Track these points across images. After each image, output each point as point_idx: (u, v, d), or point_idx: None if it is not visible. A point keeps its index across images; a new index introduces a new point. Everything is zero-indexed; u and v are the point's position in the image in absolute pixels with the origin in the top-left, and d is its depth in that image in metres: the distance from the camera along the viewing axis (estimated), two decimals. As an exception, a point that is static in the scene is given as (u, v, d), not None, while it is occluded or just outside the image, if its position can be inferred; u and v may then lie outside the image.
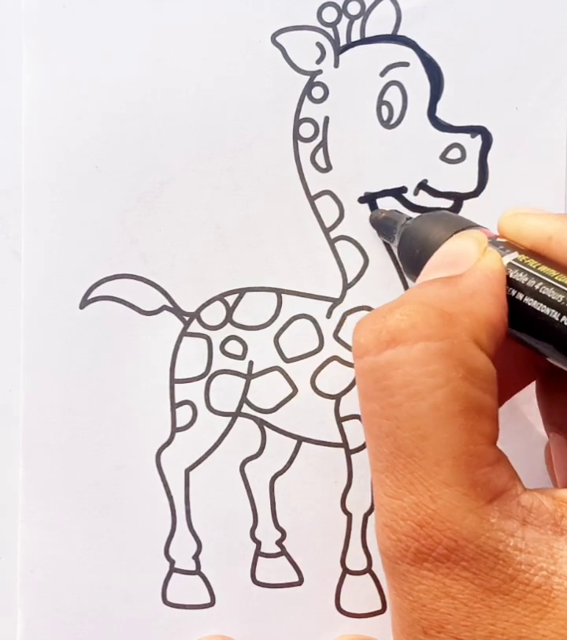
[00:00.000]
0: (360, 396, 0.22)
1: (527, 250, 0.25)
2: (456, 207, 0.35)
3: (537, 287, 0.23)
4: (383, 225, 0.34)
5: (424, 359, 0.21)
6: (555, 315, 0.22)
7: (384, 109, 0.35)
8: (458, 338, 0.21)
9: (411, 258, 0.30)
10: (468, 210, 0.35)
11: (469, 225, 0.29)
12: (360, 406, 0.23)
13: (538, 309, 0.22)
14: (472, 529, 0.20)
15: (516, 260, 0.24)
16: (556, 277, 0.23)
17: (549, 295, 0.22)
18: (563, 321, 0.22)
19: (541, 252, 0.25)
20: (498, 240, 0.26)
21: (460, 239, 0.26)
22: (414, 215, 0.33)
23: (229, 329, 0.36)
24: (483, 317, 0.22)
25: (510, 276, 0.23)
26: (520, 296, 0.23)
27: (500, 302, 0.23)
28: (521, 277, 0.23)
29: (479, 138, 0.35)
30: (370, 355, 0.22)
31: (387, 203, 0.35)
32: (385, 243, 0.35)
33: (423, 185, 0.35)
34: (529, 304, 0.23)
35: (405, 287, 0.35)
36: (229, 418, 0.36)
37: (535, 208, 0.27)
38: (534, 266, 0.23)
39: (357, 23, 0.35)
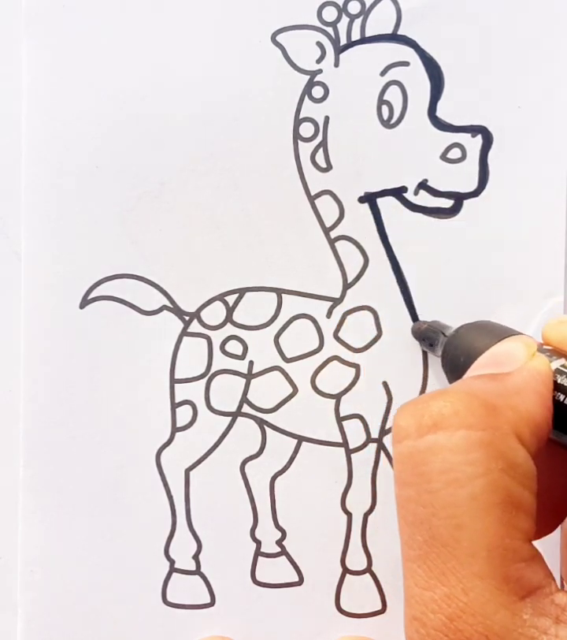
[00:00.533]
0: (396, 482, 0.22)
1: None
2: (456, 207, 0.35)
3: None
4: (425, 336, 0.34)
5: (465, 447, 0.21)
6: None
7: (384, 109, 0.35)
8: (500, 430, 0.21)
9: (455, 366, 0.30)
10: (468, 209, 0.35)
11: (514, 333, 0.29)
12: (395, 492, 0.22)
13: None
14: (503, 624, 0.20)
15: (563, 365, 0.24)
16: None
17: None
18: None
19: None
20: (545, 347, 0.26)
21: (509, 342, 0.26)
22: (456, 324, 0.33)
23: (229, 329, 0.36)
24: (526, 413, 0.22)
25: (558, 381, 0.24)
26: None
27: (545, 403, 0.23)
28: None
29: (479, 137, 0.35)
30: (410, 439, 0.21)
31: (387, 203, 0.35)
32: (387, 244, 0.35)
33: (423, 185, 0.35)
34: None
35: (402, 288, 0.35)
36: (229, 418, 0.36)
37: None
38: None
39: (358, 22, 0.35)
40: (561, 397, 0.23)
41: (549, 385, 0.23)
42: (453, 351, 0.31)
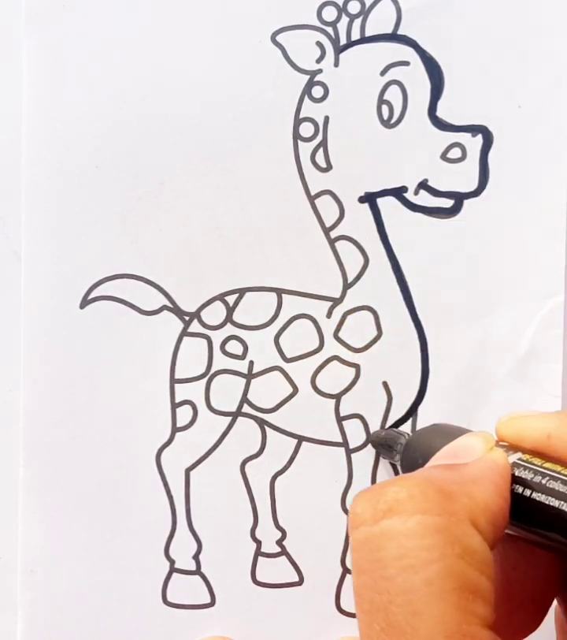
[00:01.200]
0: (353, 570, 0.22)
1: (529, 450, 0.26)
2: (456, 207, 0.35)
3: (544, 482, 0.23)
4: (384, 442, 0.35)
5: (420, 532, 0.20)
6: (565, 507, 0.23)
7: (384, 109, 0.35)
8: (456, 516, 0.21)
9: (414, 467, 0.31)
10: (468, 209, 0.35)
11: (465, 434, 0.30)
12: (353, 580, 0.22)
13: (546, 503, 0.23)
14: None
15: (520, 459, 0.25)
16: (562, 471, 0.24)
17: (557, 488, 0.23)
18: None
19: (542, 451, 0.25)
20: (501, 443, 0.27)
21: (468, 436, 0.26)
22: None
23: (229, 329, 0.36)
24: (482, 502, 0.22)
25: (516, 474, 0.24)
26: (527, 492, 0.24)
27: (501, 492, 0.23)
28: (527, 474, 0.24)
29: (479, 137, 0.35)
30: (366, 525, 0.21)
31: (387, 203, 0.35)
32: (387, 244, 0.35)
33: (423, 185, 0.35)
34: (537, 499, 0.23)
35: (403, 288, 0.35)
36: (229, 418, 0.36)
37: (528, 411, 0.28)
38: (539, 463, 0.24)
39: (358, 22, 0.35)
40: (520, 489, 0.24)
41: (506, 476, 0.23)
42: (411, 453, 0.32)
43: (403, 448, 0.33)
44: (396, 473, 0.35)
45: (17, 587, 0.36)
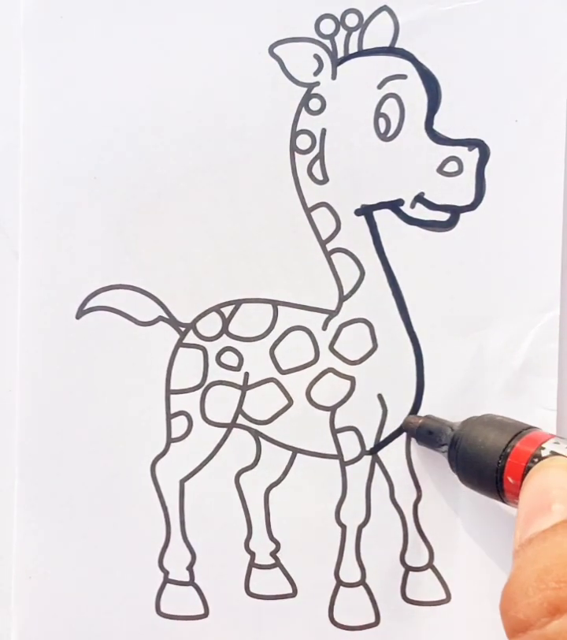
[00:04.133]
0: None
1: None
2: (453, 220, 0.35)
3: None
4: (426, 432, 0.34)
5: None
6: None
7: (381, 122, 0.35)
8: None
9: (469, 465, 0.31)
10: (465, 223, 0.35)
11: (524, 426, 0.30)
12: None
13: None
14: None
15: None
16: None
17: None
18: None
19: None
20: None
21: (550, 472, 0.26)
22: (454, 420, 0.33)
23: (225, 340, 0.36)
24: None
25: None
26: None
27: None
28: None
29: (476, 151, 0.35)
30: (534, 628, 0.21)
31: (383, 216, 0.35)
32: (383, 257, 0.35)
33: (420, 198, 0.35)
34: None
35: (398, 301, 0.35)
36: (224, 429, 0.36)
37: None
38: None
39: (355, 35, 0.35)
40: None
41: None
42: (462, 451, 0.31)
43: (450, 441, 0.32)
44: (391, 488, 0.35)
45: (12, 597, 0.36)
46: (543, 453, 0.28)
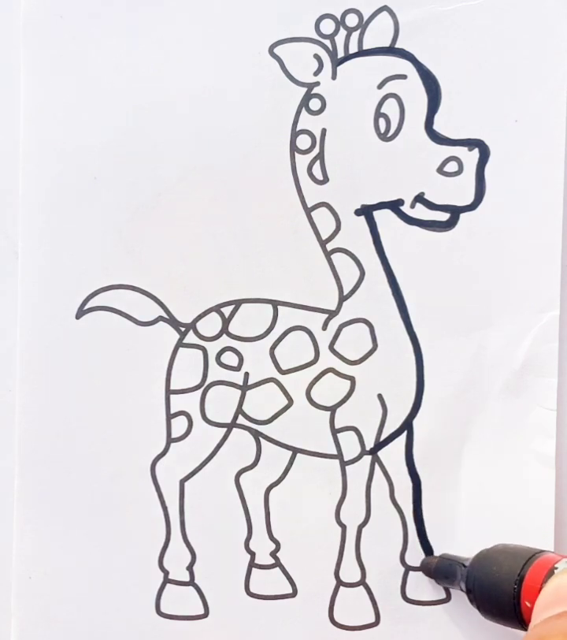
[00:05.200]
0: None
1: None
2: (453, 220, 0.35)
3: None
4: (441, 571, 0.34)
5: None
6: None
7: (381, 122, 0.35)
8: None
9: (488, 596, 0.31)
10: (465, 223, 0.35)
11: (537, 551, 0.30)
12: None
13: None
14: None
15: None
16: None
17: None
18: None
19: None
20: None
21: (562, 577, 0.27)
22: (466, 554, 0.34)
23: (225, 340, 0.36)
24: None
25: None
26: None
27: None
28: None
29: (476, 151, 0.35)
30: None
31: (383, 216, 0.35)
32: (383, 257, 0.35)
33: (420, 198, 0.35)
34: None
35: (398, 301, 0.35)
36: (224, 429, 0.36)
37: None
38: None
39: (355, 35, 0.35)
40: None
41: None
42: (479, 581, 0.31)
43: (467, 575, 0.32)
44: (391, 488, 0.35)
45: (11, 596, 0.36)
46: (556, 572, 0.28)
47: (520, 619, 0.30)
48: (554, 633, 0.23)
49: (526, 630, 0.30)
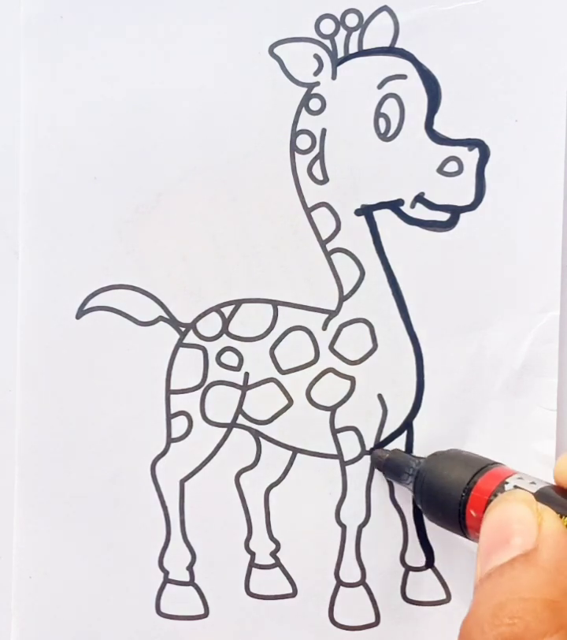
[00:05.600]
0: None
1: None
2: (453, 220, 0.35)
3: None
4: (392, 466, 0.34)
5: None
6: None
7: (381, 122, 0.35)
8: None
9: (433, 499, 0.31)
10: (465, 223, 0.35)
11: (487, 462, 0.30)
12: None
13: None
14: None
15: None
16: None
17: None
18: None
19: None
20: (540, 490, 0.26)
21: (510, 506, 0.26)
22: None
23: (225, 340, 0.36)
24: None
25: None
26: None
27: None
28: None
29: (476, 151, 0.35)
30: None
31: (383, 216, 0.35)
32: (383, 257, 0.35)
33: (420, 198, 0.35)
34: None
35: (398, 301, 0.35)
36: (224, 429, 0.36)
37: None
38: None
39: (355, 35, 0.35)
40: None
41: None
42: (428, 483, 0.31)
43: (417, 473, 0.32)
44: (391, 488, 0.35)
45: (12, 596, 0.36)
46: (506, 488, 0.28)
47: (464, 528, 0.29)
48: (514, 597, 0.22)
49: (469, 538, 0.30)
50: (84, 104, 0.36)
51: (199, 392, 0.36)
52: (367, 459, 0.36)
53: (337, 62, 0.35)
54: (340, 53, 0.35)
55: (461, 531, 0.30)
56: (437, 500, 0.31)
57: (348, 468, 0.36)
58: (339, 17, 0.35)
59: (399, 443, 0.35)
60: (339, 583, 0.36)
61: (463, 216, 0.35)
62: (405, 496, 0.35)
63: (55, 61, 0.36)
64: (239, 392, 0.36)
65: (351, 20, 0.35)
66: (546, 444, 0.35)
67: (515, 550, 0.24)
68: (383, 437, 0.36)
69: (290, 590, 0.36)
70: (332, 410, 0.36)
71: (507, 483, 0.28)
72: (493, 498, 0.28)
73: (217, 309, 0.36)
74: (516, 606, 0.22)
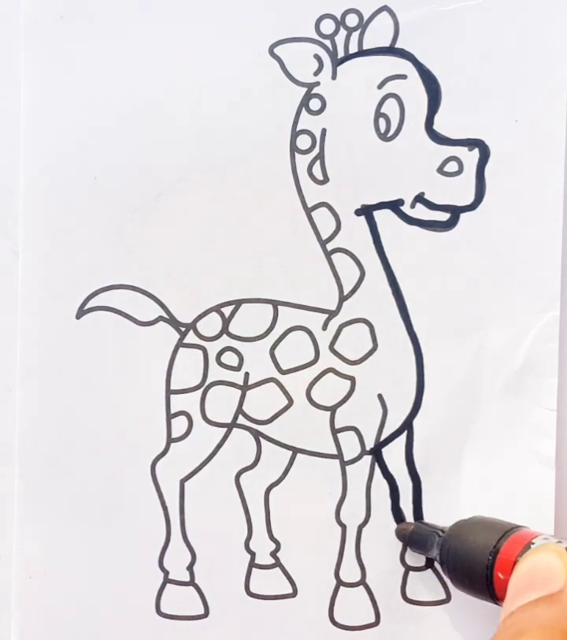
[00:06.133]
0: None
1: None
2: (453, 220, 0.35)
3: None
4: (416, 539, 0.34)
5: None
6: None
7: (382, 122, 0.35)
8: None
9: (460, 567, 0.31)
10: (465, 223, 0.35)
11: (513, 526, 0.30)
12: None
13: None
14: None
15: None
16: None
17: None
18: None
19: None
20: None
21: (540, 555, 0.26)
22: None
23: (225, 340, 0.36)
24: None
25: None
26: None
27: None
28: None
29: (476, 151, 0.35)
30: None
31: (383, 216, 0.35)
32: (383, 257, 0.35)
33: (420, 198, 0.35)
34: None
35: (398, 301, 0.35)
36: (225, 429, 0.36)
37: None
38: None
39: (355, 35, 0.35)
40: None
41: None
42: (454, 551, 0.31)
43: (442, 543, 0.32)
44: (391, 488, 0.35)
45: (12, 597, 0.36)
46: (533, 548, 0.28)
47: (491, 592, 0.29)
48: (533, 626, 0.22)
49: (497, 603, 0.30)
50: (84, 104, 0.36)
51: (199, 392, 0.36)
52: (367, 459, 0.36)
53: (337, 62, 0.35)
54: (340, 54, 0.35)
55: (490, 596, 0.30)
56: (464, 567, 0.31)
57: (348, 468, 0.36)
58: (339, 17, 0.35)
59: (400, 443, 0.35)
60: (339, 583, 0.36)
61: (463, 216, 0.35)
62: (405, 495, 0.35)
63: (55, 61, 0.36)
64: (239, 392, 0.36)
65: (351, 20, 0.35)
66: (546, 444, 0.35)
67: (541, 592, 0.24)
68: (383, 437, 0.36)
69: (290, 590, 0.36)
70: (332, 410, 0.36)
71: (533, 543, 0.28)
72: (519, 559, 0.28)
73: (217, 309, 0.36)
74: (535, 633, 0.22)
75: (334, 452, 0.36)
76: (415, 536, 0.34)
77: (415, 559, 0.35)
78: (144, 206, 0.36)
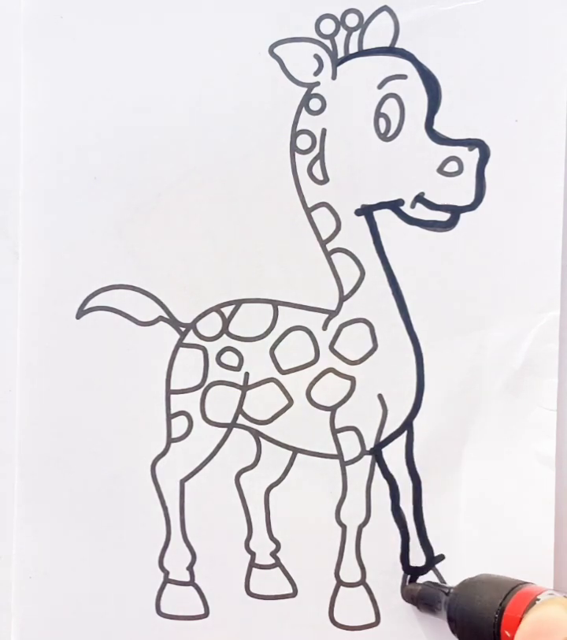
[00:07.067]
0: None
1: None
2: (453, 220, 0.35)
3: None
4: (423, 598, 0.34)
5: None
6: None
7: (382, 122, 0.35)
8: None
9: (468, 624, 0.31)
10: (465, 223, 0.35)
11: (519, 583, 0.31)
12: None
13: None
14: None
15: None
16: None
17: None
18: None
19: None
20: None
21: (546, 608, 0.27)
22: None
23: (225, 340, 0.36)
24: None
25: None
26: None
27: None
28: None
29: (476, 151, 0.35)
30: None
31: (383, 215, 0.35)
32: (383, 257, 0.35)
33: (420, 198, 0.35)
34: None
35: (398, 301, 0.35)
36: (225, 429, 0.36)
37: None
38: None
39: (355, 35, 0.35)
40: None
41: None
42: (461, 610, 0.32)
43: (449, 603, 0.32)
44: (391, 488, 0.35)
45: (12, 597, 0.36)
46: (538, 603, 0.28)
47: None
48: None
49: None
50: (84, 104, 0.36)
51: (199, 392, 0.36)
52: (367, 459, 0.36)
53: (337, 62, 0.35)
54: (340, 53, 0.35)
55: None
56: (471, 626, 0.31)
57: (348, 468, 0.36)
58: (339, 17, 0.35)
59: (399, 443, 0.35)
60: (339, 583, 0.36)
61: (463, 216, 0.35)
62: (405, 495, 0.35)
63: (55, 61, 0.36)
64: (239, 392, 0.36)
65: (351, 20, 0.35)
66: (546, 444, 0.35)
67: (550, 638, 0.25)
68: (383, 437, 0.36)
69: (290, 590, 0.36)
70: (332, 410, 0.36)
71: (539, 600, 0.28)
72: (525, 615, 0.28)
73: (217, 309, 0.36)
74: None
75: (334, 452, 0.36)
76: (423, 596, 0.34)
77: (415, 559, 0.35)
78: (144, 206, 0.36)
